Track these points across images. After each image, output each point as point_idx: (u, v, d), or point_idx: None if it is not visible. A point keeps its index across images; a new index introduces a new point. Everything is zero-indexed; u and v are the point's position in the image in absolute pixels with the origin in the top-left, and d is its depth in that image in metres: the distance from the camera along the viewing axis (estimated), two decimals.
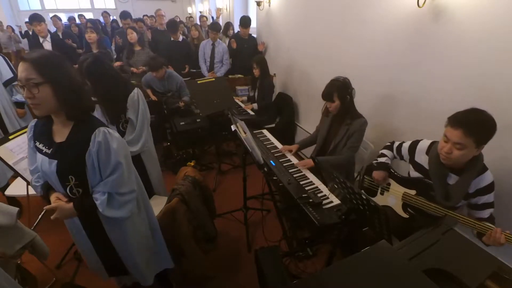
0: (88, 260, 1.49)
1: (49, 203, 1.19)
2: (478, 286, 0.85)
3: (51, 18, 5.64)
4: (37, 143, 1.18)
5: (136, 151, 1.88)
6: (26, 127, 1.98)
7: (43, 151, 1.16)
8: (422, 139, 1.58)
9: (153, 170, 2.10)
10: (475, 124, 1.20)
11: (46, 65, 1.02)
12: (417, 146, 1.56)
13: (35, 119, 1.22)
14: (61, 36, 4.64)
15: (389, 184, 1.67)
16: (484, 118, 1.21)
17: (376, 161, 1.73)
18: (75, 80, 1.10)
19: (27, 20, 9.23)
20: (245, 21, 4.00)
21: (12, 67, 2.71)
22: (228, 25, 4.89)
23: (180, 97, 3.40)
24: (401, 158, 1.69)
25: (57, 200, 1.18)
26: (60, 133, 1.15)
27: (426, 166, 1.48)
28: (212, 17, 7.00)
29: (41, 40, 3.69)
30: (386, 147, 1.78)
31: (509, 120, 1.43)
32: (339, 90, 1.86)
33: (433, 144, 1.49)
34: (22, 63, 1.00)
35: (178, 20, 6.96)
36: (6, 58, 2.70)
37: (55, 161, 1.13)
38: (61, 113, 1.11)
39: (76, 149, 1.12)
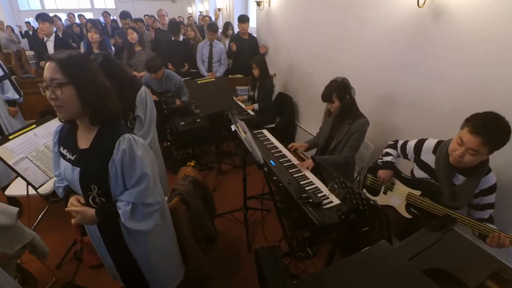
0: (109, 270, 1.45)
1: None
2: (478, 286, 0.84)
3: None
4: (62, 149, 1.15)
5: None
6: (26, 127, 1.99)
7: (67, 157, 1.12)
8: (428, 138, 1.57)
9: (159, 168, 2.11)
10: (495, 134, 1.17)
11: (72, 66, 0.99)
12: (423, 144, 1.55)
13: (61, 124, 1.15)
14: (61, 36, 4.63)
15: (393, 184, 1.66)
16: (504, 128, 1.18)
17: (381, 160, 1.71)
18: (101, 83, 1.06)
19: (27, 20, 9.24)
20: (242, 17, 4.01)
21: (3, 65, 2.71)
22: (227, 25, 4.87)
23: (179, 97, 3.40)
24: (405, 157, 1.68)
25: (74, 202, 1.15)
26: (85, 139, 1.10)
27: (433, 165, 1.47)
28: (210, 17, 6.99)
29: (45, 39, 3.69)
30: (390, 146, 1.76)
31: (508, 120, 1.43)
32: (338, 91, 1.86)
33: (439, 143, 1.47)
34: (49, 63, 0.98)
35: (181, 19, 6.95)
36: None
37: (78, 169, 1.09)
38: (85, 117, 1.07)
39: (99, 157, 1.07)
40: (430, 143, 1.52)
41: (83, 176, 1.09)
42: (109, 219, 1.16)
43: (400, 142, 1.71)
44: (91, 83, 1.02)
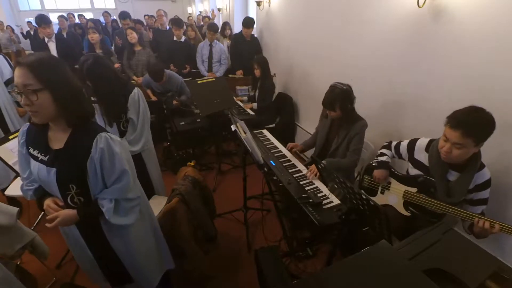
0: (88, 272, 1.43)
1: (42, 208, 1.15)
2: (478, 286, 0.84)
3: (57, 18, 5.64)
4: (31, 150, 1.12)
5: (137, 150, 1.89)
6: None
7: (39, 158, 1.09)
8: (420, 138, 1.60)
9: (153, 169, 2.11)
10: (474, 125, 1.21)
11: (44, 70, 0.95)
12: (415, 144, 1.59)
13: (27, 123, 1.14)
14: (65, 36, 4.63)
15: (389, 183, 1.68)
16: (483, 118, 1.22)
17: (376, 160, 1.74)
18: (75, 84, 1.05)
19: (28, 20, 9.24)
20: (247, 21, 4.00)
21: (13, 66, 2.72)
22: (225, 25, 4.86)
23: (179, 97, 3.40)
24: (400, 157, 1.71)
25: (52, 204, 1.12)
26: (57, 139, 1.08)
27: (426, 163, 1.50)
28: (208, 17, 7.01)
29: (46, 40, 3.70)
30: (384, 147, 1.80)
31: (508, 119, 1.43)
32: (341, 101, 1.82)
33: (432, 141, 1.51)
34: (19, 68, 0.94)
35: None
36: (7, 58, 2.72)
37: (54, 169, 1.07)
38: (60, 120, 1.05)
39: (76, 156, 1.06)
40: (422, 142, 1.56)
41: (61, 176, 1.08)
42: (91, 218, 1.16)
43: (394, 143, 1.74)
44: (65, 86, 1.01)
